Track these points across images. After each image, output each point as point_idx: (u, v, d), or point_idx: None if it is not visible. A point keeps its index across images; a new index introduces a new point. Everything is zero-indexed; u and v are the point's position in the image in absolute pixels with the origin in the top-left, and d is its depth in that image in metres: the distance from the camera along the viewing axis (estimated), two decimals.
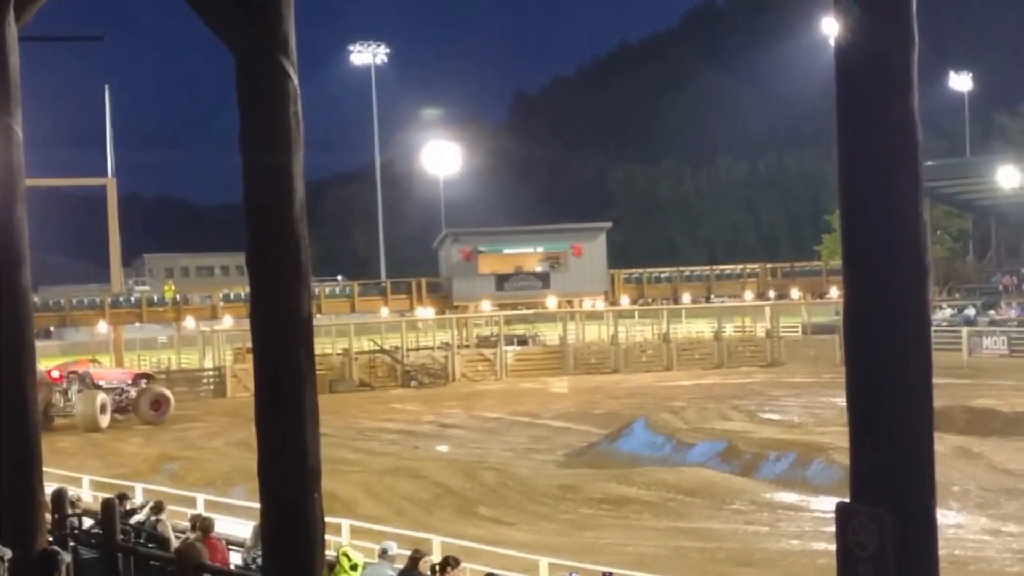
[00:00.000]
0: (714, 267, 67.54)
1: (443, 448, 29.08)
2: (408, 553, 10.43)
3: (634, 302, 57.92)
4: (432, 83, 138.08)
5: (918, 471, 4.44)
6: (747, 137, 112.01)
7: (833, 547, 4.27)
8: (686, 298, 57.41)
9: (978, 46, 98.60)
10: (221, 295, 51.96)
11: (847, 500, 4.37)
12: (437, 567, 9.90)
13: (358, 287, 56.89)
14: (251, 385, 5.87)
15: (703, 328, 53.15)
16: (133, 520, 12.33)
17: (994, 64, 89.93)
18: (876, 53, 4.33)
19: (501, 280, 55.91)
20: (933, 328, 29.20)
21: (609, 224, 62.23)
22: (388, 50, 69.47)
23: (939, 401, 15.76)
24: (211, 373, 45.03)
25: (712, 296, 61.48)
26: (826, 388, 33.51)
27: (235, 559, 11.78)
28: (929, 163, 51.72)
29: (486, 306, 54.01)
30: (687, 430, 25.23)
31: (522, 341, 50.83)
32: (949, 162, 57.39)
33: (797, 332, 51.54)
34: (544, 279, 56.49)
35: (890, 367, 4.39)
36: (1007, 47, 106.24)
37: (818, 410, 30.20)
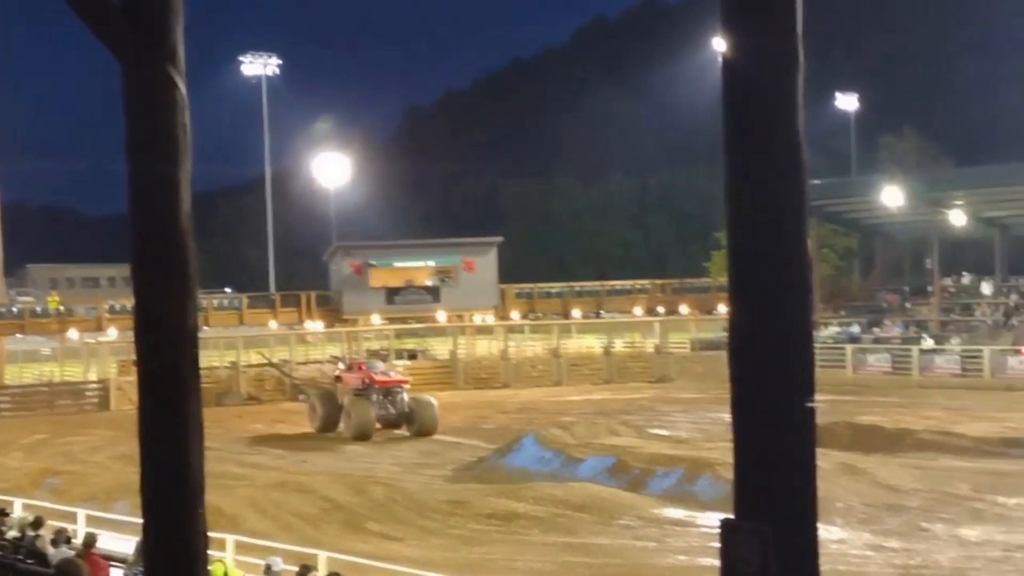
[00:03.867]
0: (604, 283, 68.00)
1: (331, 462, 28.85)
2: (295, 569, 10.30)
3: (524, 317, 58.09)
4: (324, 95, 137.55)
5: (801, 487, 4.47)
6: (638, 154, 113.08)
7: (719, 563, 4.29)
8: (576, 313, 57.77)
9: (864, 68, 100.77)
10: (106, 307, 50.99)
11: (732, 516, 4.39)
12: None
13: (247, 299, 56.27)
14: (136, 398, 5.76)
15: (593, 343, 53.48)
16: (9, 536, 12.02)
17: (880, 86, 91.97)
18: (762, 73, 4.37)
19: (391, 294, 55.70)
20: (819, 345, 29.96)
21: (500, 239, 62.35)
22: (280, 61, 68.90)
23: (824, 418, 16.06)
24: (95, 386, 44.15)
25: (602, 311, 61.87)
26: (714, 404, 33.89)
27: (116, 575, 11.54)
28: (816, 182, 52.65)
29: (376, 320, 53.78)
30: (576, 445, 25.33)
31: (412, 355, 50.69)
32: (835, 182, 58.48)
33: (686, 348, 52.13)
34: (435, 293, 56.40)
35: (774, 384, 4.42)
36: (893, 69, 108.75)
37: (706, 426, 30.55)
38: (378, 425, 33.52)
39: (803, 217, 4.56)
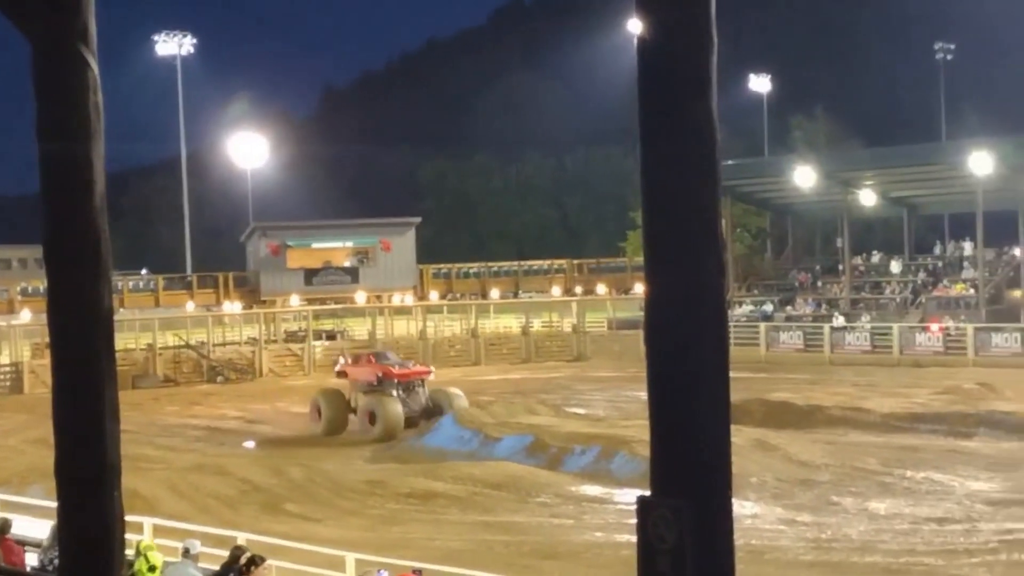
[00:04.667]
0: (522, 263, 68.24)
1: (250, 444, 28.69)
2: (214, 552, 10.26)
3: (443, 297, 58.15)
4: (240, 75, 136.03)
5: (716, 464, 4.55)
6: (555, 134, 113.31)
7: (636, 539, 4.36)
8: (494, 293, 57.91)
9: (777, 49, 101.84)
10: (19, 289, 50.15)
11: (648, 493, 4.47)
12: (242, 567, 9.76)
13: (163, 281, 55.67)
14: (49, 381, 5.70)
15: (511, 323, 53.64)
16: None
17: (792, 67, 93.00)
18: (676, 55, 4.42)
19: (310, 275, 55.45)
20: (732, 324, 30.34)
21: (418, 219, 62.30)
22: (195, 40, 68.02)
23: (738, 395, 16.25)
24: (8, 369, 43.45)
25: (520, 292, 62.11)
26: (630, 382, 34.16)
27: (31, 560, 11.41)
28: (729, 162, 53.18)
29: (294, 301, 53.48)
30: (494, 424, 25.43)
31: (330, 336, 50.46)
32: (748, 162, 59.12)
33: (603, 327, 52.43)
34: (353, 274, 56.24)
35: (689, 362, 4.50)
36: (804, 51, 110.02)
37: (622, 404, 30.81)
38: None
39: (716, 197, 4.64)
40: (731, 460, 4.46)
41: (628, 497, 17.49)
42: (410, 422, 29.37)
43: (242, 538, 13.19)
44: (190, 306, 51.90)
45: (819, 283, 55.46)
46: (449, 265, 64.28)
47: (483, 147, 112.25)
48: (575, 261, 69.00)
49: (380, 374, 30.50)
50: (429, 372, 32.25)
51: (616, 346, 47.19)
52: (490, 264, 66.66)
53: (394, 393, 29.98)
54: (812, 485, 18.86)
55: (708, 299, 4.53)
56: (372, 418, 28.99)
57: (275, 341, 48.56)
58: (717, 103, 4.51)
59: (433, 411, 29.62)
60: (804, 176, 51.62)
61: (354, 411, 30.29)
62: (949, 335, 44.69)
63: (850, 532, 15.58)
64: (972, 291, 49.50)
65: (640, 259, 4.72)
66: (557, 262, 67.72)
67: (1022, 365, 39.94)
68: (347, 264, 56.85)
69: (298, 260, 55.90)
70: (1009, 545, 14.62)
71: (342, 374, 32.53)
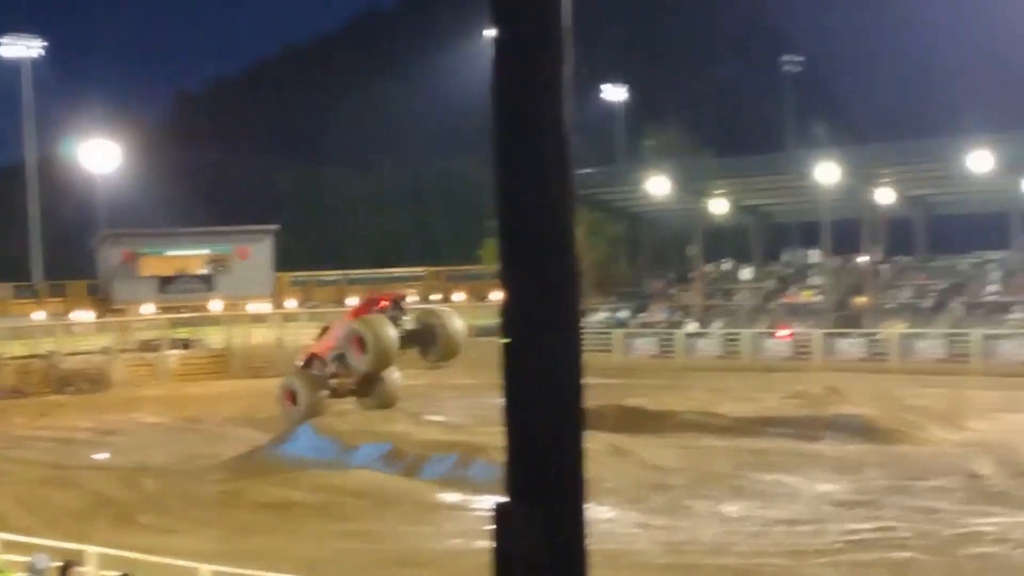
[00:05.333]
0: (380, 270, 68.02)
1: (102, 456, 28.09)
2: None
3: (301, 305, 57.62)
4: (91, 79, 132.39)
5: (570, 470, 4.61)
6: (412, 142, 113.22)
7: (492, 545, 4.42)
8: (352, 301, 57.53)
9: (632, 60, 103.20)
10: None
11: (505, 499, 4.52)
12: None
13: (11, 290, 54.15)
14: None
15: None
16: None
17: (646, 77, 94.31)
18: (530, 67, 4.49)
19: (164, 283, 54.52)
20: (588, 330, 30.70)
21: (275, 227, 61.69)
22: (44, 43, 66.29)
23: (593, 401, 16.49)
24: None
25: None
26: (488, 389, 34.00)
27: None
28: (585, 171, 53.77)
29: (148, 309, 52.48)
30: (352, 433, 25.30)
31: (186, 345, 49.64)
32: (604, 170, 59.82)
33: None
34: (208, 282, 55.43)
35: (544, 368, 4.56)
36: (658, 61, 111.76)
37: (480, 411, 30.90)
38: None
39: (571, 206, 4.73)
40: (585, 466, 4.55)
41: (486, 503, 17.56)
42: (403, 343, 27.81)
43: (93, 551, 12.93)
44: (39, 315, 50.59)
45: (672, 290, 56.38)
46: (307, 273, 63.72)
47: (341, 154, 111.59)
48: (433, 268, 69.08)
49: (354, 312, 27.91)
50: (402, 296, 30.02)
51: (474, 353, 47.08)
52: (348, 272, 66.29)
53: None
54: (666, 489, 19.19)
55: (562, 307, 4.61)
56: (363, 344, 26.70)
57: (128, 350, 47.57)
58: (572, 113, 4.60)
59: (426, 336, 28.24)
60: (658, 185, 52.48)
61: (334, 390, 27.93)
62: (797, 341, 45.83)
63: (702, 535, 15.90)
64: (819, 298, 50.84)
65: (497, 266, 4.78)
66: (415, 270, 67.73)
67: (866, 369, 41.22)
68: (202, 272, 55.98)
69: (151, 268, 54.87)
70: (854, 545, 15.08)
71: (310, 360, 28.95)
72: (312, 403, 27.25)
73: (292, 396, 27.74)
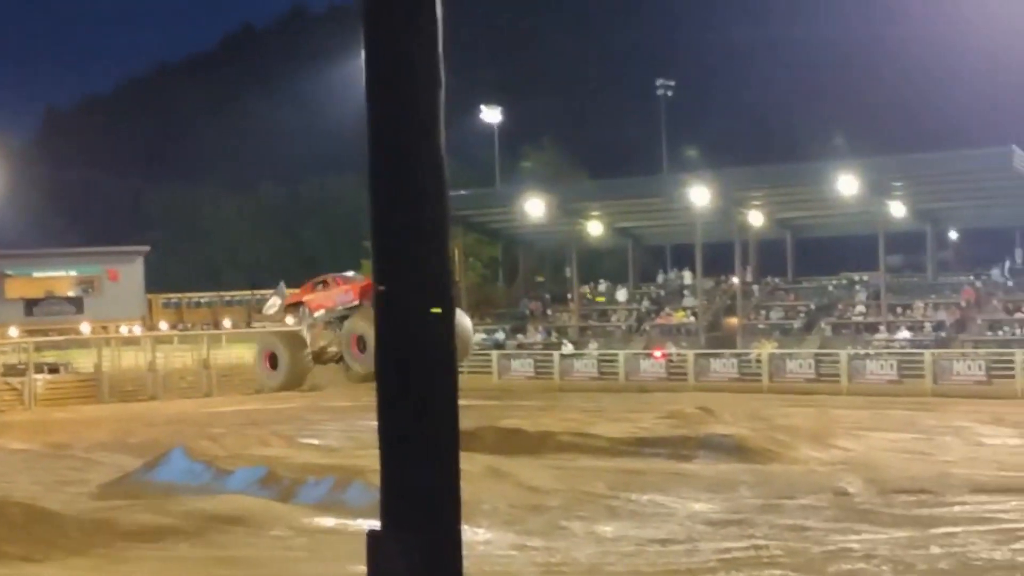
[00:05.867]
0: (256, 292, 67.27)
1: None
2: None
3: (173, 327, 56.72)
4: None
5: (445, 494, 4.62)
6: (288, 162, 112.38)
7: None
8: (227, 323, 56.85)
9: (508, 82, 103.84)
10: None
11: (378, 526, 4.49)
12: None
13: None
14: None
15: (244, 353, 52.74)
16: None
17: (522, 99, 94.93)
18: (403, 93, 4.51)
19: (30, 305, 53.32)
20: None
21: (147, 248, 60.74)
22: None
23: (470, 422, 16.48)
24: None
25: (253, 321, 61.21)
26: (365, 411, 33.95)
27: None
28: (462, 193, 53.92)
29: (13, 332, 51.20)
30: (226, 457, 24.91)
31: (53, 369, 48.48)
32: (480, 192, 60.09)
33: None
34: (77, 304, 54.36)
35: (418, 391, 4.57)
36: (534, 84, 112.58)
37: (357, 433, 30.67)
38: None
39: (445, 227, 4.74)
40: (460, 489, 4.54)
41: (363, 527, 17.39)
42: None
43: None
44: None
45: (549, 311, 56.71)
46: (179, 295, 62.81)
47: (214, 174, 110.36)
48: None
49: (365, 288, 24.07)
50: None
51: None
52: (222, 294, 65.47)
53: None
54: (543, 510, 19.23)
55: (437, 329, 4.62)
56: (363, 344, 23.73)
57: None
58: (447, 135, 4.62)
59: None
60: (534, 206, 52.82)
61: (316, 354, 26.16)
62: (671, 361, 46.42)
63: (578, 556, 15.96)
64: (692, 318, 51.58)
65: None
66: (292, 291, 67.07)
67: (738, 389, 41.94)
68: (71, 294, 54.88)
69: (18, 290, 53.67)
70: (727, 563, 15.27)
71: (293, 306, 25.36)
72: (295, 366, 23.75)
73: (272, 358, 23.91)
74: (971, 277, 49.93)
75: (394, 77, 4.50)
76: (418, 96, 4.57)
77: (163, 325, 56.18)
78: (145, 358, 49.41)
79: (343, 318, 22.87)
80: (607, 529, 17.94)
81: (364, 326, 22.44)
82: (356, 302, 23.73)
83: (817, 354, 44.99)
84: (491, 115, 72.96)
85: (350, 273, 25.76)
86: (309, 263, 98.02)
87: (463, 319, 23.67)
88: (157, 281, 65.56)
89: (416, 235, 4.61)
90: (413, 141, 4.62)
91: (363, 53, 4.48)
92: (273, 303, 25.33)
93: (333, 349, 24.15)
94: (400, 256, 4.60)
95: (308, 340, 24.41)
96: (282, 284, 25.64)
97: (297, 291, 25.24)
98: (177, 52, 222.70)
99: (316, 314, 23.95)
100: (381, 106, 4.60)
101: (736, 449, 25.14)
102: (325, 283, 24.82)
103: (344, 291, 23.92)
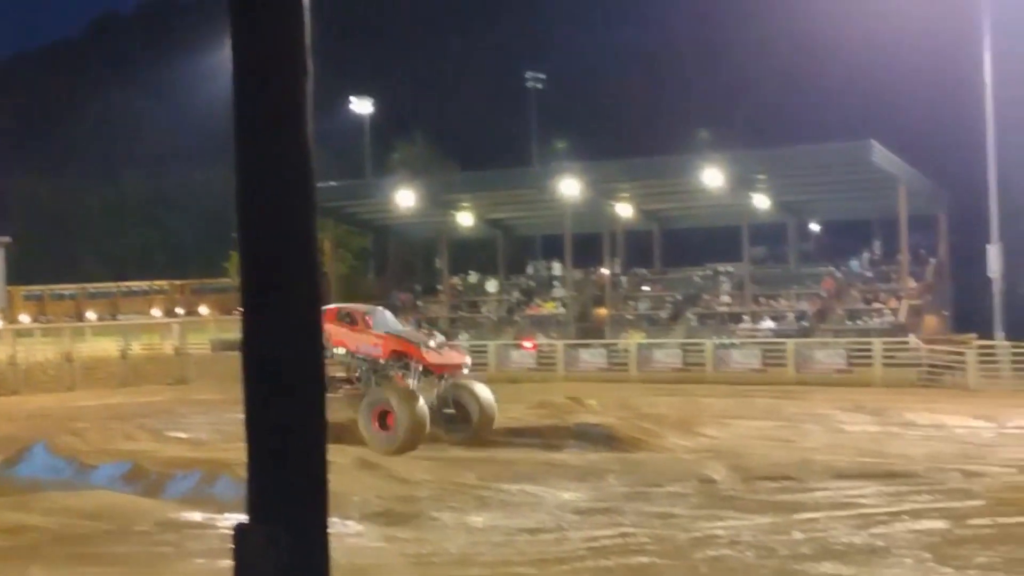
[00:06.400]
0: (120, 284, 66.02)
1: None
2: None
3: (34, 320, 55.39)
4: None
5: (313, 487, 4.60)
6: (155, 152, 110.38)
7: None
8: (91, 316, 55.73)
9: (379, 73, 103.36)
10: None
11: (245, 520, 4.47)
12: None
13: None
14: None
15: (109, 346, 51.74)
16: None
17: (393, 90, 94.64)
18: (271, 82, 4.48)
19: None
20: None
21: (7, 239, 59.14)
22: None
23: (342, 415, 16.45)
24: None
25: (119, 314, 60.09)
26: (234, 405, 33.27)
27: None
28: (332, 184, 53.56)
29: None
30: (90, 452, 24.47)
31: None
32: (351, 184, 59.73)
33: (206, 349, 51.51)
34: None
35: (285, 384, 4.54)
36: (405, 75, 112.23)
37: (225, 427, 30.26)
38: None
39: (312, 220, 4.71)
40: (328, 482, 4.53)
41: (231, 522, 17.21)
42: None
43: None
44: None
45: (419, 303, 56.67)
46: (41, 287, 61.28)
47: (78, 164, 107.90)
48: (177, 282, 67.50)
49: (397, 351, 21.28)
50: (465, 364, 23.37)
51: (219, 368, 46.35)
52: (86, 286, 64.07)
53: (412, 381, 21.75)
54: (413, 501, 19.25)
55: (305, 321, 4.60)
56: (385, 421, 20.69)
57: None
58: (315, 127, 4.60)
59: (455, 415, 22.12)
60: (404, 198, 52.68)
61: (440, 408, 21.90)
62: (541, 351, 46.72)
63: (449, 546, 16.01)
64: (562, 309, 51.95)
65: None
66: (158, 283, 66.01)
67: (607, 379, 42.42)
68: None
69: None
70: (595, 552, 15.46)
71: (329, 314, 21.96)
72: (413, 422, 20.40)
73: (383, 417, 20.61)
74: (831, 268, 51.14)
75: (261, 66, 4.47)
76: (285, 86, 4.54)
77: (24, 318, 54.88)
78: (5, 352, 48.18)
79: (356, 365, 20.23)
80: (477, 519, 18.02)
81: (392, 400, 20.25)
82: (381, 360, 21.30)
83: (683, 344, 45.71)
84: (361, 106, 72.53)
85: (380, 310, 23.44)
86: (176, 255, 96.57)
87: (485, 392, 22.88)
88: (18, 274, 63.98)
89: (282, 227, 4.59)
90: (280, 132, 4.59)
91: (230, 42, 4.45)
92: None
93: (340, 374, 21.62)
94: (266, 247, 4.57)
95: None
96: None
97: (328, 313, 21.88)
98: (40, 39, 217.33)
99: (336, 350, 21.52)
100: (247, 96, 4.56)
101: (605, 438, 25.45)
102: (352, 318, 22.05)
103: (372, 343, 21.55)
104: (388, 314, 23.15)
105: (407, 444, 21.06)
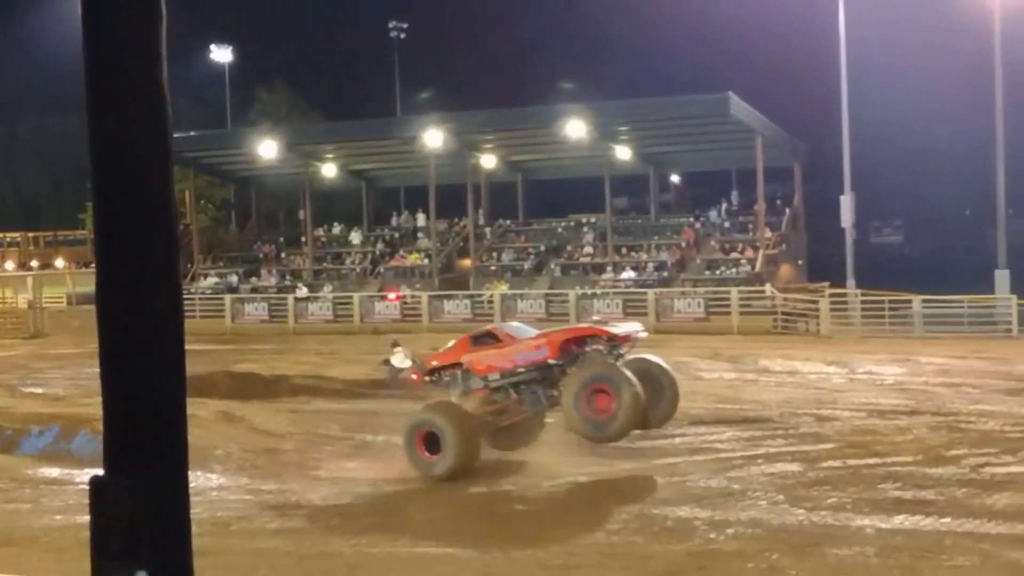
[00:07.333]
0: None
1: None
2: None
3: None
4: None
5: (171, 439, 4.55)
6: (4, 101, 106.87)
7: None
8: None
9: (239, 21, 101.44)
10: None
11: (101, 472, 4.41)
12: None
13: None
14: None
15: None
16: None
17: (254, 39, 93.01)
18: (123, 25, 4.37)
19: None
20: (198, 296, 30.14)
21: None
22: None
23: (202, 367, 16.37)
24: None
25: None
26: (91, 359, 32.61)
27: None
28: (191, 133, 52.63)
29: None
30: None
31: None
32: (211, 133, 58.76)
33: (62, 303, 50.44)
34: None
35: (141, 336, 4.47)
36: (265, 23, 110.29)
37: (83, 381, 29.73)
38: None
39: (168, 169, 4.64)
40: (187, 433, 4.50)
41: (88, 477, 16.96)
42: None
43: None
44: None
45: (283, 255, 56.17)
46: None
47: None
48: (30, 234, 65.75)
49: (573, 339, 17.50)
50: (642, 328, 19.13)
51: (76, 322, 45.48)
52: None
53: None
54: (277, 453, 19.18)
55: (161, 272, 4.53)
56: (434, 443, 17.05)
57: None
58: (172, 75, 4.52)
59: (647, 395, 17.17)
60: (267, 148, 52.03)
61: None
62: (406, 303, 46.71)
63: (313, 497, 16.01)
64: (426, 260, 51.98)
65: None
66: (10, 235, 64.21)
67: (470, 329, 42.42)
68: None
69: None
70: (466, 500, 15.63)
71: (433, 371, 18.64)
72: (465, 445, 17.01)
73: (430, 440, 17.12)
74: (691, 219, 51.97)
75: (111, 10, 4.36)
76: (138, 31, 4.43)
77: None
78: None
79: (519, 383, 16.67)
80: (342, 470, 18.04)
81: (439, 420, 17.01)
82: (552, 359, 17.52)
83: (547, 294, 46.10)
84: (221, 55, 71.25)
85: (515, 324, 20.05)
86: (29, 206, 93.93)
87: (665, 364, 18.64)
88: None
89: (136, 176, 4.50)
90: (133, 78, 4.48)
91: None
92: (403, 357, 19.56)
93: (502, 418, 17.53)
94: (121, 198, 4.48)
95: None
96: (400, 348, 17.53)
97: (441, 351, 18.99)
98: None
99: (490, 377, 17.95)
100: (97, 41, 4.44)
101: None
102: (492, 337, 18.65)
103: (534, 347, 17.74)
104: (515, 323, 20.19)
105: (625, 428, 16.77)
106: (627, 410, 15.91)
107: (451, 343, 18.52)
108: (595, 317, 17.79)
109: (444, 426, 16.72)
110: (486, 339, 18.31)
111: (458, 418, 17.03)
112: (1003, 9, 41.56)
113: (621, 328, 17.69)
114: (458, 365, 18.04)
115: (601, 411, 15.99)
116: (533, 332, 18.37)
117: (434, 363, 18.34)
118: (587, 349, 16.96)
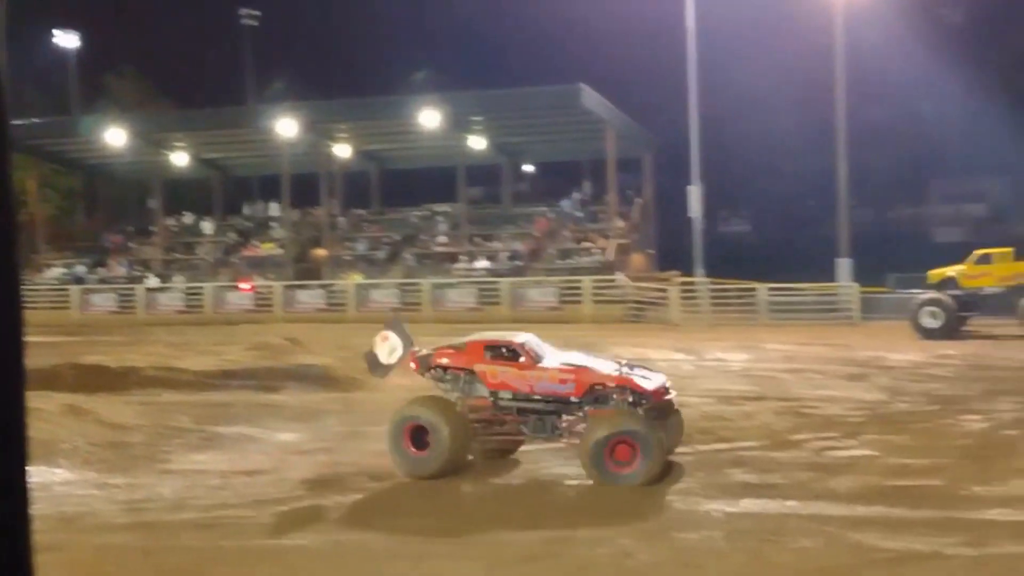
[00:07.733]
0: None
1: None
2: None
3: None
4: None
5: (8, 436, 4.48)
6: None
7: None
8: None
9: (86, 6, 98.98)
10: None
11: None
12: None
13: None
14: None
15: None
16: None
17: (101, 25, 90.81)
18: None
19: None
20: (43, 287, 29.41)
21: None
22: None
23: (48, 360, 16.00)
24: None
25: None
26: None
27: None
28: (35, 121, 51.24)
29: None
30: None
31: None
32: (56, 120, 57.25)
33: None
34: None
35: None
36: (113, 8, 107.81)
37: None
38: None
39: (6, 156, 4.58)
40: (26, 426, 4.44)
41: None
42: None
43: None
44: None
45: (132, 244, 55.10)
46: None
47: None
48: None
49: (599, 385, 16.41)
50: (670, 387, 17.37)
51: None
52: None
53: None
54: (125, 447, 18.85)
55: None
56: (419, 439, 16.33)
57: None
58: (10, 59, 4.45)
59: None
60: (115, 136, 50.99)
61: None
62: (258, 293, 46.27)
63: (163, 490, 15.79)
64: (280, 250, 51.51)
65: None
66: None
67: (324, 319, 42.38)
68: None
69: None
70: (313, 491, 15.57)
71: (441, 367, 17.43)
72: (455, 444, 16.27)
73: (416, 435, 16.41)
74: (544, 208, 52.40)
75: None
76: None
77: None
78: None
79: (529, 409, 15.27)
80: (193, 463, 17.82)
81: (428, 413, 16.14)
82: (573, 398, 16.49)
83: (401, 284, 46.06)
84: (67, 40, 69.41)
85: (534, 339, 18.14)
86: None
87: (676, 407, 17.51)
88: None
89: None
90: None
91: None
92: (391, 347, 17.33)
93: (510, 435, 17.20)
94: None
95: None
96: (399, 321, 15.57)
97: (448, 348, 17.29)
98: None
99: (501, 394, 16.72)
100: None
101: (323, 379, 25.50)
102: (512, 352, 17.03)
103: (559, 380, 16.57)
104: (536, 338, 18.20)
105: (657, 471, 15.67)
106: (650, 469, 15.21)
107: (459, 341, 17.51)
108: (623, 362, 15.46)
109: (437, 422, 16.02)
110: (505, 352, 17.05)
111: (452, 415, 16.36)
112: (844, 4, 42.78)
113: (652, 383, 16.52)
114: (467, 370, 16.93)
115: (622, 463, 15.21)
116: (551, 350, 17.62)
117: (444, 361, 17.14)
118: (613, 397, 16.20)
